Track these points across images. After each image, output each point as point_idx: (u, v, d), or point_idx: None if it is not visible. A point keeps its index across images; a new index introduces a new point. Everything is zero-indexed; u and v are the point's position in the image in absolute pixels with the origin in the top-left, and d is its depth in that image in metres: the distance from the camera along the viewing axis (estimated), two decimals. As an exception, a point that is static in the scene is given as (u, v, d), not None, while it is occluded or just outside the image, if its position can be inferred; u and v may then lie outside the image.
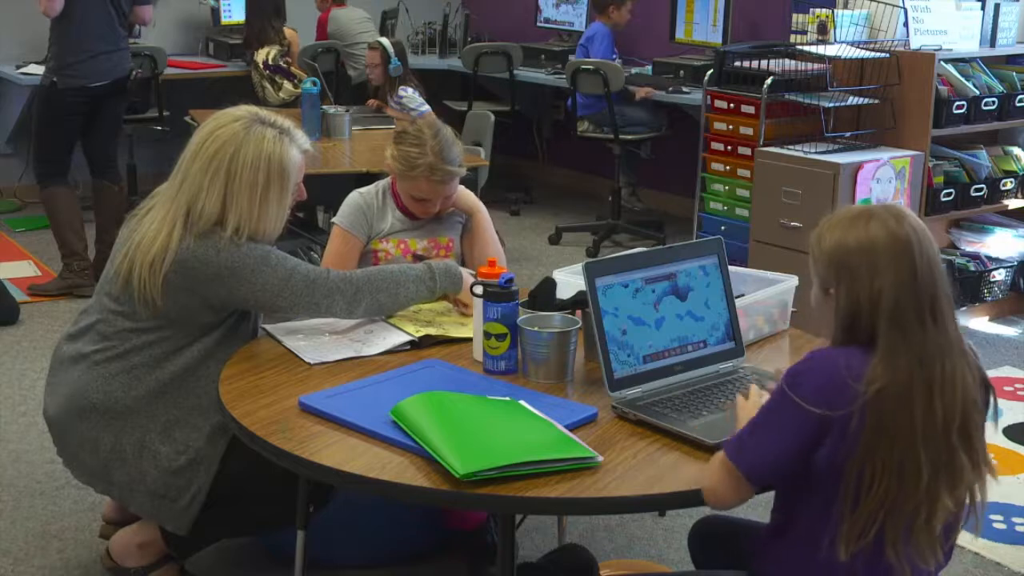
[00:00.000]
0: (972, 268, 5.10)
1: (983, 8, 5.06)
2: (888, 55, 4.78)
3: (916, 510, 1.84)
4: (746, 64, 5.18)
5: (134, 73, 5.63)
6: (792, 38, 5.10)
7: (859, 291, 1.88)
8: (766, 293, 2.79)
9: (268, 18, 6.74)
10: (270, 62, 6.59)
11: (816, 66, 4.90)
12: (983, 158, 5.19)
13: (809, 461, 1.89)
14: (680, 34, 6.75)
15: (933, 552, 1.88)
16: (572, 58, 6.79)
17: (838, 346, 1.93)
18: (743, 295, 2.73)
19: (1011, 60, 5.32)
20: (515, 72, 7.18)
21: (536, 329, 2.44)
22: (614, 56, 6.59)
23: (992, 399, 1.96)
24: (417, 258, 3.08)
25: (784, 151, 4.80)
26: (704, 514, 2.47)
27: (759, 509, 2.51)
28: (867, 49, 4.82)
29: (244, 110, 2.69)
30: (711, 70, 5.39)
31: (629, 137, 6.51)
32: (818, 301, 1.98)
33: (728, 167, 5.25)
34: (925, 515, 1.85)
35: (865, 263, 1.88)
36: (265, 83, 6.59)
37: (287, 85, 6.55)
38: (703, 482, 1.97)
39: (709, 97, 5.32)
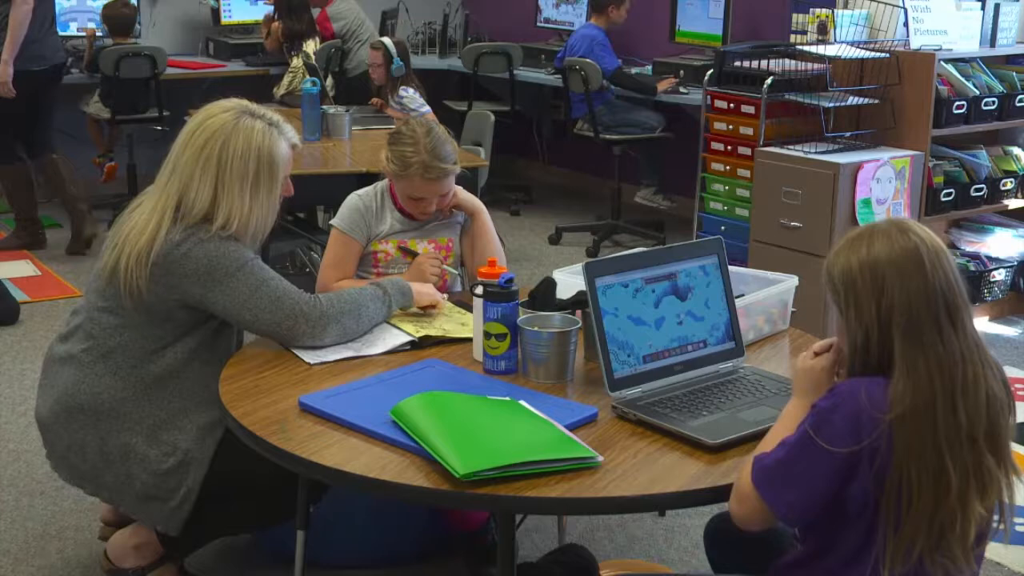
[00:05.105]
0: (972, 268, 5.10)
1: (983, 8, 5.05)
2: (888, 55, 4.78)
3: (951, 520, 1.81)
4: (746, 64, 5.18)
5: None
6: (792, 38, 5.10)
7: (867, 311, 1.85)
8: (766, 293, 2.79)
9: (305, 20, 6.91)
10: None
11: (816, 66, 4.90)
12: (983, 158, 5.19)
13: (843, 495, 1.85)
14: (681, 28, 6.75)
15: (968, 562, 1.86)
16: (568, 59, 6.77)
17: (856, 375, 1.89)
18: (743, 295, 2.73)
19: (1011, 60, 5.32)
20: (515, 72, 7.18)
21: (536, 329, 2.44)
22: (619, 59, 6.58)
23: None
24: (408, 253, 3.08)
25: (784, 151, 4.79)
26: (714, 512, 2.46)
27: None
28: (867, 49, 4.82)
29: (233, 102, 2.68)
30: (711, 70, 5.39)
31: (615, 137, 6.50)
32: (840, 328, 1.94)
33: (728, 167, 5.25)
34: (960, 525, 1.81)
35: (871, 282, 1.85)
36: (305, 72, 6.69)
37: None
38: (733, 508, 1.95)
39: (709, 97, 5.33)
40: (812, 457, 1.84)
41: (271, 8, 7.16)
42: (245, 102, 2.69)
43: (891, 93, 4.83)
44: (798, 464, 1.87)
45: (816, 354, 2.05)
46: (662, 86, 6.39)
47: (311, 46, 6.74)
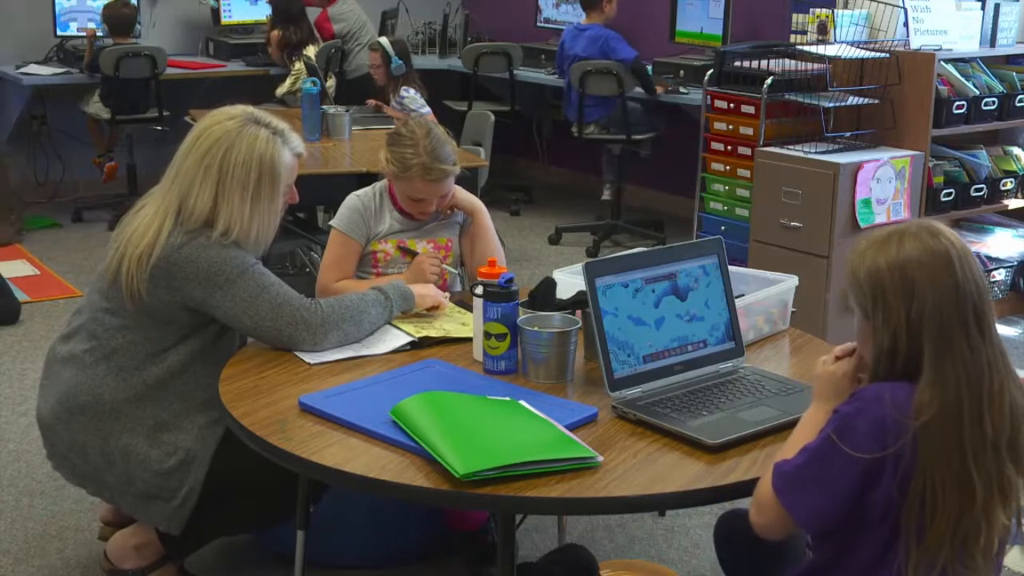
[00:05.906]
0: (972, 268, 5.10)
1: (983, 8, 5.05)
2: (888, 55, 4.78)
3: (975, 531, 1.79)
4: (746, 64, 5.18)
5: None
6: (792, 38, 5.09)
7: (896, 314, 1.81)
8: (766, 293, 2.79)
9: (304, 30, 6.89)
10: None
11: (816, 66, 4.90)
12: (983, 158, 5.19)
13: (865, 501, 1.83)
14: (681, 28, 6.75)
15: (989, 571, 1.85)
16: (585, 61, 6.68)
17: (880, 380, 1.85)
18: (743, 295, 2.73)
19: (1011, 60, 5.32)
20: (515, 72, 7.18)
21: (536, 329, 2.44)
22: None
23: None
24: (407, 252, 3.08)
25: (784, 151, 4.79)
26: (715, 511, 2.46)
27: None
28: (867, 49, 4.82)
29: (240, 109, 2.67)
30: (711, 70, 5.39)
31: (640, 138, 6.51)
32: (862, 332, 1.90)
33: (728, 167, 5.25)
34: (985, 537, 1.79)
35: (900, 284, 1.81)
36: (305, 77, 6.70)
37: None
38: (753, 516, 1.93)
39: (709, 97, 5.33)
40: (835, 462, 1.82)
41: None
42: (251, 109, 2.69)
43: (891, 93, 4.83)
44: (820, 470, 1.84)
45: (836, 358, 2.02)
46: (660, 88, 6.40)
47: (311, 50, 6.74)
